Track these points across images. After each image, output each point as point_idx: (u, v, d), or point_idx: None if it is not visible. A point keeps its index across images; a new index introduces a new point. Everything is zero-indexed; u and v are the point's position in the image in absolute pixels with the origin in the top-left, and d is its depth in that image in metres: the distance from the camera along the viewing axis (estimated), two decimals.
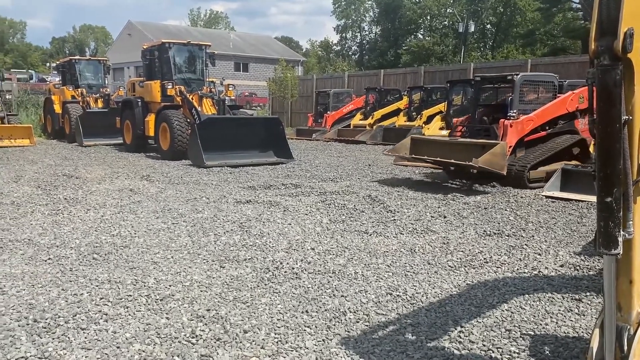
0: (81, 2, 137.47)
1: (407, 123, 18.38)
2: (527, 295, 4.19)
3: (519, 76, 9.71)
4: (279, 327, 3.57)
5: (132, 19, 54.78)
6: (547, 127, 9.59)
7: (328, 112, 21.38)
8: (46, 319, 3.59)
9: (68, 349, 3.20)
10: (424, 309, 3.95)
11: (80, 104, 17.86)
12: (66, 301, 3.93)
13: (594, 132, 2.15)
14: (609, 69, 2.04)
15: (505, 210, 7.36)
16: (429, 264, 5.03)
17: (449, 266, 4.96)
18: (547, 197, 8.16)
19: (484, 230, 6.24)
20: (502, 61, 32.15)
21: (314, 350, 3.25)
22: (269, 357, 3.16)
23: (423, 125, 16.65)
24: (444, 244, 5.71)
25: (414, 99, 19.19)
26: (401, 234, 6.13)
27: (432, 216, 6.97)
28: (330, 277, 4.61)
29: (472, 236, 6.04)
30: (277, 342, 3.35)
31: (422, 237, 5.99)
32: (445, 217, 6.92)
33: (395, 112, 19.83)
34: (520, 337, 3.45)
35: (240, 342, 3.32)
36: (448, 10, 56.13)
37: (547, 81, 10.27)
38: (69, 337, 3.35)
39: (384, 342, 3.39)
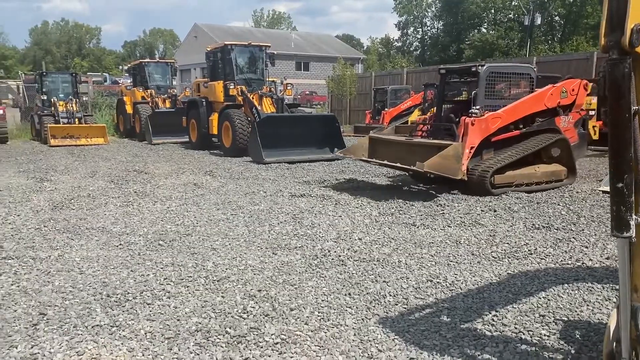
0: (151, 6, 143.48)
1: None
2: (566, 285, 4.28)
3: (484, 67, 8.65)
4: (322, 307, 3.87)
5: (198, 21, 56.73)
6: (521, 126, 8.55)
7: (386, 109, 21.46)
8: (117, 295, 4.06)
9: (135, 319, 3.63)
10: (461, 294, 4.13)
11: (150, 104, 18.88)
12: (134, 280, 4.41)
13: (607, 122, 2.31)
14: (617, 62, 2.19)
15: (559, 204, 7.31)
16: (472, 254, 5.17)
17: (492, 257, 5.09)
18: (604, 192, 8.01)
19: (533, 224, 6.27)
20: (569, 54, 30.96)
21: (353, 328, 3.52)
22: (312, 331, 3.46)
23: None
24: (490, 236, 5.81)
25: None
26: (449, 226, 6.28)
27: (482, 210, 7.05)
28: (375, 264, 4.86)
29: (520, 229, 6.10)
30: (319, 320, 3.65)
31: (469, 229, 6.12)
32: (495, 211, 6.98)
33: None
34: (553, 322, 3.58)
35: (286, 319, 3.65)
36: (513, 3, 54.48)
37: (520, 73, 9.10)
38: (136, 310, 3.79)
39: (420, 322, 3.61)
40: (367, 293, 4.14)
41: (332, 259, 5.01)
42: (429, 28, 65.01)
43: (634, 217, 2.30)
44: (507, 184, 8.12)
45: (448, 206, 7.27)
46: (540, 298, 4.01)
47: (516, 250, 5.25)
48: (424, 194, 8.23)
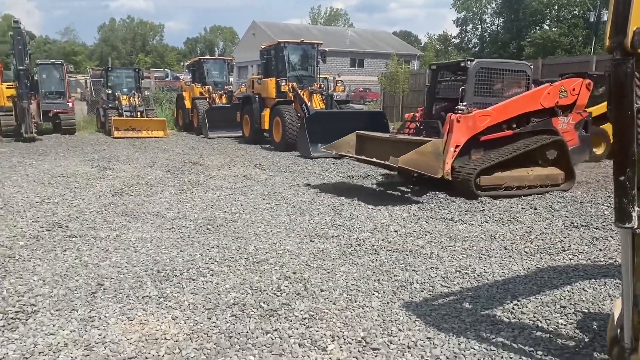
0: (213, 4, 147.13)
1: None
2: (593, 280, 4.36)
3: (473, 63, 8.22)
4: (351, 290, 4.13)
5: (257, 19, 57.87)
6: (514, 125, 8.11)
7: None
8: (166, 271, 4.48)
9: (181, 292, 4.02)
10: (487, 285, 4.29)
11: (207, 100, 19.61)
12: (182, 259, 4.82)
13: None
14: (620, 63, 2.34)
15: (603, 204, 7.24)
16: (505, 249, 5.29)
17: (525, 252, 5.19)
18: None
19: (572, 222, 6.29)
20: None
21: (378, 309, 3.77)
22: (338, 310, 3.73)
23: None
24: (527, 232, 5.89)
25: None
26: (486, 222, 6.38)
27: (522, 208, 7.09)
28: (406, 255, 5.08)
29: (558, 227, 6.13)
30: (347, 301, 3.92)
31: (506, 226, 6.21)
32: (535, 209, 7.01)
33: None
34: (573, 313, 3.70)
35: (316, 298, 3.94)
36: None
37: (514, 70, 8.64)
38: (182, 285, 4.18)
39: (442, 307, 3.82)
40: (396, 280, 4.37)
41: (366, 248, 5.26)
42: (488, 25, 63.63)
43: (636, 209, 2.44)
44: (495, 186, 7.70)
45: (489, 203, 7.34)
46: (564, 291, 4.12)
47: (550, 247, 5.33)
48: None
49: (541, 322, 3.55)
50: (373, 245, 5.33)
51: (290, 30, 51.83)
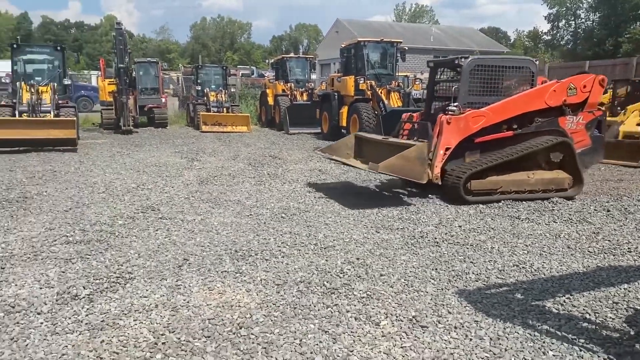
0: (299, 2, 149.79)
1: (609, 118, 17.12)
2: None
3: (467, 60, 7.68)
4: (409, 276, 4.44)
5: (341, 16, 58.44)
6: (515, 126, 7.64)
7: None
8: (243, 251, 4.99)
9: (255, 269, 4.51)
10: (542, 279, 4.44)
11: (289, 97, 20.34)
12: (258, 242, 5.33)
13: None
14: None
15: None
16: (568, 247, 5.36)
17: (588, 251, 5.24)
18: None
19: None
20: None
21: (431, 294, 4.06)
22: (394, 293, 4.06)
23: (624, 122, 15.44)
24: (594, 233, 5.89)
25: (619, 93, 17.72)
26: (554, 222, 6.42)
27: (595, 209, 7.02)
28: (467, 248, 5.29)
29: (629, 229, 6.07)
30: (404, 285, 4.23)
31: (574, 226, 6.22)
32: (608, 211, 6.91)
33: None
34: (624, 308, 3.80)
35: (375, 281, 4.29)
36: None
37: (516, 67, 8.02)
38: (256, 263, 4.68)
39: (493, 296, 4.04)
40: (452, 270, 4.62)
41: (428, 240, 5.52)
42: (582, 20, 60.29)
43: None
44: (489, 190, 7.30)
45: (560, 203, 7.32)
46: (620, 289, 4.20)
47: (615, 248, 5.33)
48: None
49: (590, 314, 3.70)
50: (435, 238, 5.58)
51: (373, 28, 51.91)
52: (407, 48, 15.99)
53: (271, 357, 3.04)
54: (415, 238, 5.58)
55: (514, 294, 4.09)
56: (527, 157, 7.45)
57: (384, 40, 15.65)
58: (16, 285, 4.07)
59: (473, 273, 4.54)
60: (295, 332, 3.35)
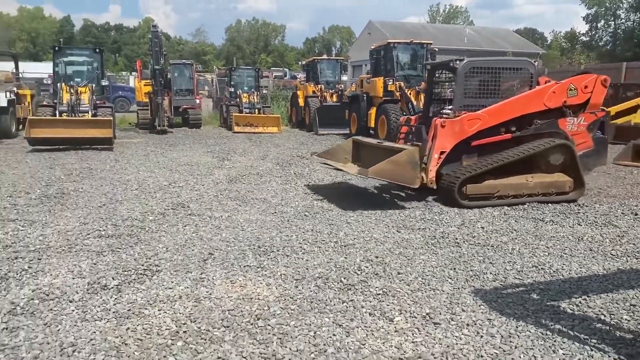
0: (332, 4, 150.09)
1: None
2: None
3: (462, 63, 7.55)
4: (426, 275, 4.51)
5: (374, 18, 58.44)
6: (513, 128, 7.47)
7: None
8: (265, 247, 5.15)
9: (275, 265, 4.66)
10: (560, 280, 4.45)
11: (319, 98, 20.51)
12: (280, 239, 5.48)
13: None
14: None
15: None
16: (590, 250, 5.33)
17: (611, 254, 5.20)
18: None
19: None
20: None
21: (448, 293, 4.13)
22: (410, 291, 4.14)
23: None
24: (618, 236, 5.83)
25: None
26: (578, 224, 6.37)
27: (622, 213, 6.92)
28: (488, 249, 5.32)
29: None
30: (420, 283, 4.31)
31: (598, 229, 6.16)
32: (636, 214, 6.81)
33: (634, 109, 18.09)
34: None
35: (392, 278, 4.38)
36: None
37: (514, 68, 7.82)
38: (277, 259, 4.82)
39: (509, 296, 4.08)
40: (471, 270, 4.67)
41: (449, 240, 5.57)
42: (622, 21, 58.65)
43: None
44: (486, 195, 7.18)
45: (587, 206, 7.25)
46: (638, 292, 4.17)
47: (639, 251, 5.28)
48: None
49: (605, 315, 3.71)
50: (456, 239, 5.62)
51: (406, 29, 51.69)
52: (437, 50, 15.97)
53: (285, 347, 3.17)
54: (436, 238, 5.64)
55: (530, 294, 4.12)
56: (525, 160, 7.32)
57: (414, 41, 15.65)
58: (51, 275, 4.32)
59: (491, 273, 4.58)
60: (310, 324, 3.48)
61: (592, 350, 3.21)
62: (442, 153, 7.15)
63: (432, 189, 7.31)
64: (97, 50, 15.97)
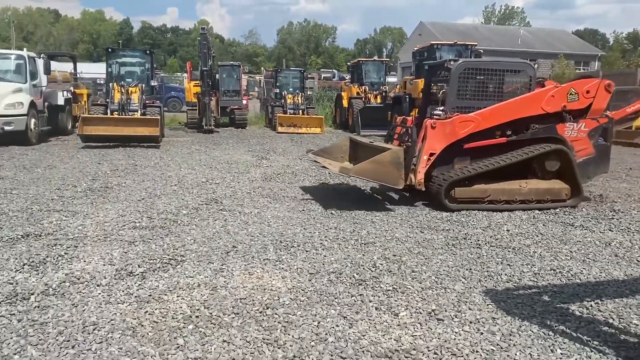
0: (385, 5, 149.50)
1: None
2: None
3: (457, 63, 7.39)
4: (440, 274, 4.57)
5: (428, 19, 57.86)
6: (509, 132, 7.27)
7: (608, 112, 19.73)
8: (287, 242, 5.34)
9: (294, 259, 4.84)
10: (576, 284, 4.42)
11: (362, 99, 20.61)
12: (303, 235, 5.65)
13: None
14: None
15: None
16: (615, 256, 5.24)
17: (637, 261, 5.10)
18: None
19: None
20: None
21: (458, 292, 4.18)
22: (421, 288, 4.22)
23: None
24: None
25: None
26: (610, 230, 6.24)
27: None
28: (508, 251, 5.31)
29: None
30: (432, 282, 4.38)
31: (629, 235, 6.02)
32: None
33: None
34: None
35: (404, 276, 4.47)
36: None
37: (511, 70, 7.62)
38: (296, 254, 5.00)
39: (519, 297, 4.10)
40: (486, 271, 4.70)
41: (470, 242, 5.59)
42: None
43: None
44: (476, 199, 7.06)
45: (623, 212, 7.07)
46: None
47: None
48: (602, 198, 8.01)
49: (613, 319, 3.68)
50: (478, 241, 5.63)
51: (458, 30, 50.93)
52: (482, 51, 15.78)
53: (288, 334, 3.33)
54: (457, 239, 5.67)
55: (541, 296, 4.13)
56: (518, 165, 7.16)
57: (458, 43, 15.54)
58: (84, 261, 4.65)
59: (506, 274, 4.59)
60: (315, 315, 3.63)
61: (591, 351, 3.21)
62: (431, 154, 7.04)
63: (422, 191, 7.22)
64: (148, 52, 16.68)
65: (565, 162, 7.29)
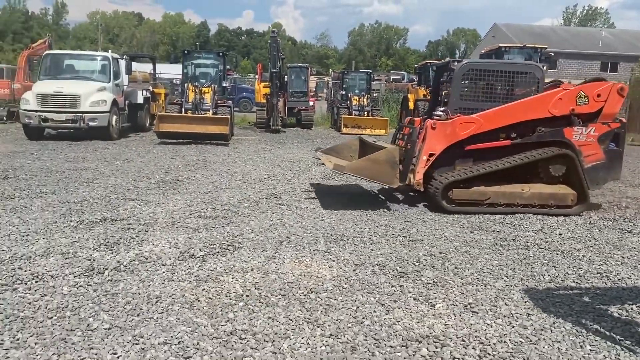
0: (459, 7, 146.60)
1: None
2: None
3: (460, 64, 7.30)
4: (483, 272, 4.70)
5: (505, 20, 56.37)
6: (513, 135, 7.06)
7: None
8: (337, 235, 5.63)
9: (342, 251, 5.13)
10: (621, 288, 4.41)
11: (428, 102, 20.51)
12: (353, 230, 5.93)
13: None
14: None
15: None
16: None
17: None
18: None
19: None
20: None
21: (498, 288, 4.30)
22: (461, 284, 4.38)
23: None
24: None
25: None
26: None
27: None
28: (556, 254, 5.34)
29: None
30: (474, 279, 4.52)
31: None
32: None
33: None
34: None
35: (447, 272, 4.64)
36: None
37: (518, 72, 7.38)
38: (345, 247, 5.29)
39: (559, 296, 4.17)
40: (530, 271, 4.78)
41: (519, 244, 5.65)
42: None
43: None
44: (475, 201, 6.97)
45: None
46: None
47: None
48: None
49: (623, 314, 3.70)
50: (527, 242, 5.68)
51: (533, 32, 49.32)
52: (553, 54, 15.38)
53: (328, 316, 3.62)
54: (506, 241, 5.74)
55: (582, 297, 4.18)
56: (523, 168, 7.08)
57: (527, 45, 15.23)
58: (153, 244, 5.15)
59: (549, 275, 4.66)
60: (355, 301, 3.89)
61: (622, 349, 3.28)
62: (431, 155, 7.01)
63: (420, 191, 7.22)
64: (221, 54, 17.48)
65: (572, 167, 7.14)
